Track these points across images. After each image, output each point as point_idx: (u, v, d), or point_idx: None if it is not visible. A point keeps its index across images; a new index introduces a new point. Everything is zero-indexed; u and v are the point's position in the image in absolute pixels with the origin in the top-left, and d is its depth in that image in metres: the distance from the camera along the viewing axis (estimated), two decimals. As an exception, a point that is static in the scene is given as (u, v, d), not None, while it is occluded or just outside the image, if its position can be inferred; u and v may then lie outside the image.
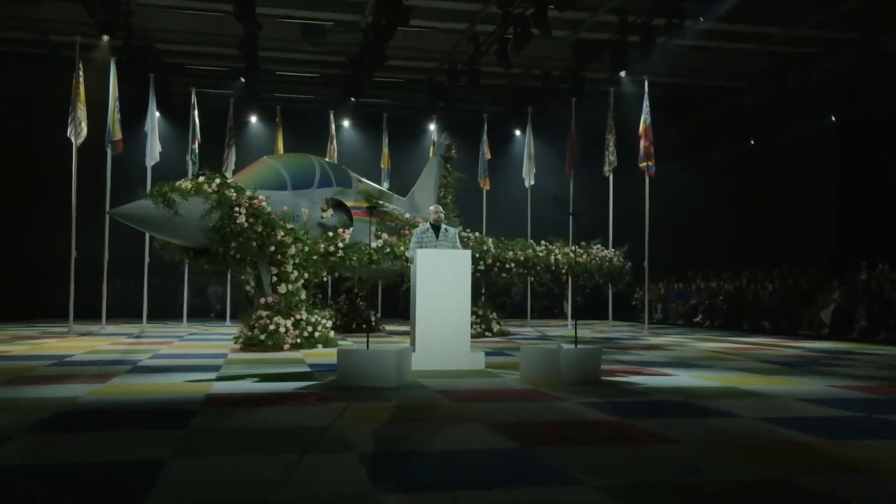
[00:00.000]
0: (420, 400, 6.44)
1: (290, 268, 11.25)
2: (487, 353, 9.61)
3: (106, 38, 15.62)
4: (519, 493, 3.71)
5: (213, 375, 7.98)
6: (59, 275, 15.81)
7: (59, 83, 15.94)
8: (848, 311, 16.03)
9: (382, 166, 20.63)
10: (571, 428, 5.35)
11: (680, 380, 8.09)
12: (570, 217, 8.99)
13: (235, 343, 11.39)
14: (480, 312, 14.55)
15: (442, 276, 8.82)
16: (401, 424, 5.37)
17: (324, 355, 10.19)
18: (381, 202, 13.83)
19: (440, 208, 9.90)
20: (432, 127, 22.22)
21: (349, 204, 12.90)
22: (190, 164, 17.53)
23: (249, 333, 11.04)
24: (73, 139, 14.82)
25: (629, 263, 16.76)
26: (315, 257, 11.71)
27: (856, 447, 4.77)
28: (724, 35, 18.69)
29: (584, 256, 15.80)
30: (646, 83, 17.18)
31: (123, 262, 16.03)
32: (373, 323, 15.94)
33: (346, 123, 22.97)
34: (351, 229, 12.51)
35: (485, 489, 3.75)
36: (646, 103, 17.02)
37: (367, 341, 7.58)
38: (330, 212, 12.49)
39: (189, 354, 10.40)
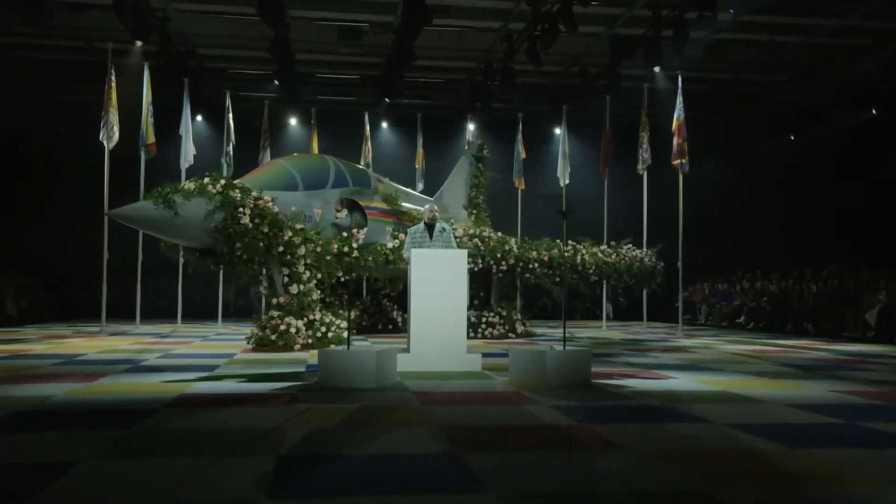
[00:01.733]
0: (388, 402, 6.33)
1: (301, 268, 11.26)
2: (495, 355, 9.48)
3: (139, 43, 15.89)
4: (414, 499, 3.60)
5: (203, 375, 8.01)
6: (101, 276, 16.22)
7: (94, 88, 16.27)
8: (894, 313, 15.34)
9: (417, 167, 20.60)
10: (521, 433, 5.20)
11: (675, 383, 7.82)
12: (562, 216, 8.76)
13: (248, 343, 11.46)
14: (504, 313, 14.36)
15: (437, 277, 8.71)
16: (348, 427, 5.28)
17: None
18: (399, 202, 13.75)
19: (435, 207, 9.79)
20: (471, 127, 22.10)
21: (365, 204, 12.86)
22: (224, 166, 17.75)
23: (261, 334, 11.09)
24: (105, 143, 15.13)
25: (661, 264, 16.35)
26: (328, 258, 11.69)
27: (811, 456, 4.51)
28: (766, 28, 18.12)
29: (613, 256, 15.46)
30: (679, 79, 16.73)
31: (161, 262, 16.28)
32: (399, 323, 15.90)
33: (382, 125, 22.99)
34: (365, 230, 12.47)
35: (382, 495, 3.64)
36: (679, 99, 16.57)
37: (349, 342, 7.52)
38: (344, 212, 12.48)
39: (198, 354, 10.50)
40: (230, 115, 18.39)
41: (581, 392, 6.98)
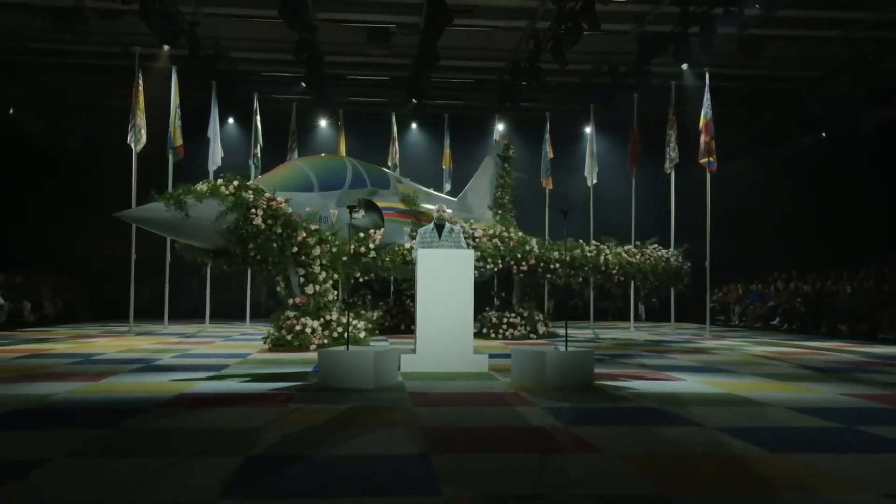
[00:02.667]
0: (380, 403, 6.32)
1: (317, 269, 11.30)
2: (506, 356, 9.37)
3: (166, 47, 16.12)
4: (364, 500, 3.58)
5: (210, 375, 8.08)
6: (138, 276, 16.54)
7: (126, 92, 16.53)
8: (930, 314, 14.93)
9: (444, 167, 20.57)
10: (501, 434, 5.16)
11: (681, 385, 7.69)
12: (563, 214, 8.67)
13: (265, 343, 11.54)
14: (526, 314, 14.26)
15: (444, 277, 8.68)
16: (330, 427, 5.26)
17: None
18: (419, 203, 13.73)
19: (444, 207, 9.75)
20: (500, 127, 22.02)
21: (383, 205, 12.86)
22: (252, 168, 17.93)
23: (277, 334, 11.16)
24: (132, 146, 15.38)
25: (688, 264, 16.09)
26: (345, 258, 11.73)
27: (791, 461, 4.40)
28: (801, 23, 17.76)
29: (638, 256, 15.26)
30: (706, 76, 16.45)
31: (190, 263, 16.50)
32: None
33: (410, 126, 23.01)
34: (382, 230, 12.48)
35: (334, 496, 3.64)
36: (706, 97, 16.28)
37: (347, 343, 7.53)
38: (361, 213, 12.50)
39: (214, 354, 10.60)
40: (258, 118, 18.55)
41: (580, 394, 6.90)
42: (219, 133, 17.59)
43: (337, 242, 11.55)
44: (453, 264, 8.75)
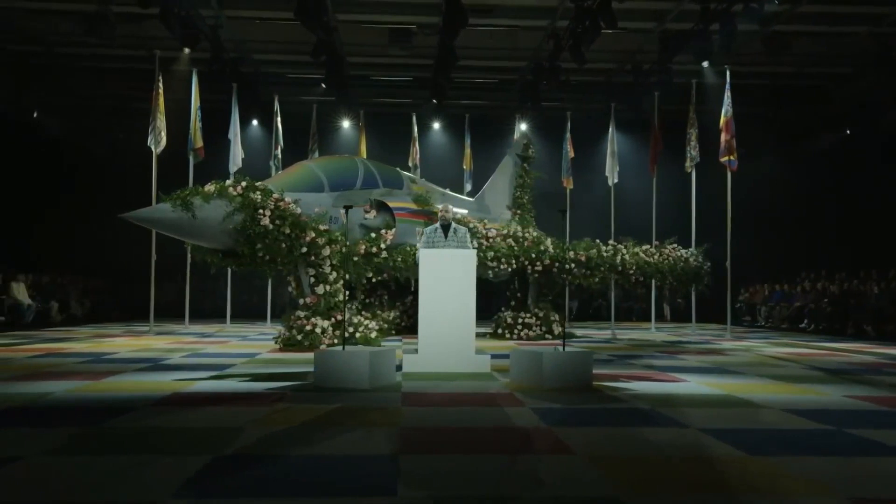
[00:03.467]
0: (370, 403, 6.31)
1: (327, 269, 11.34)
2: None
3: (187, 50, 16.31)
4: (319, 501, 3.57)
5: (211, 374, 8.15)
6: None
7: (144, 94, 16.75)
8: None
9: (465, 167, 20.55)
10: (479, 435, 5.13)
11: (681, 386, 7.60)
12: (561, 214, 8.62)
13: (276, 343, 11.61)
14: (541, 314, 14.17)
15: (445, 277, 8.66)
16: (310, 427, 5.26)
17: None
18: (432, 203, 13.72)
19: (449, 207, 9.70)
20: (523, 127, 21.96)
21: (396, 205, 12.87)
22: (273, 169, 18.07)
23: (288, 334, 11.22)
24: (153, 148, 15.57)
25: (708, 264, 15.87)
26: (356, 258, 11.76)
27: (765, 463, 4.33)
28: (828, 18, 17.47)
29: (656, 257, 15.10)
30: (727, 73, 16.21)
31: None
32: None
33: (434, 125, 23.01)
34: (394, 230, 12.49)
35: (287, 496, 3.64)
36: (727, 94, 16.05)
37: (343, 343, 7.54)
38: (373, 213, 12.52)
39: (224, 354, 10.68)
40: (278, 119, 18.70)
41: (575, 395, 6.84)
42: (239, 135, 17.74)
43: (345, 242, 11.58)
44: (455, 264, 8.72)
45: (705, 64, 17.24)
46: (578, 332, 16.97)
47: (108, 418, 5.50)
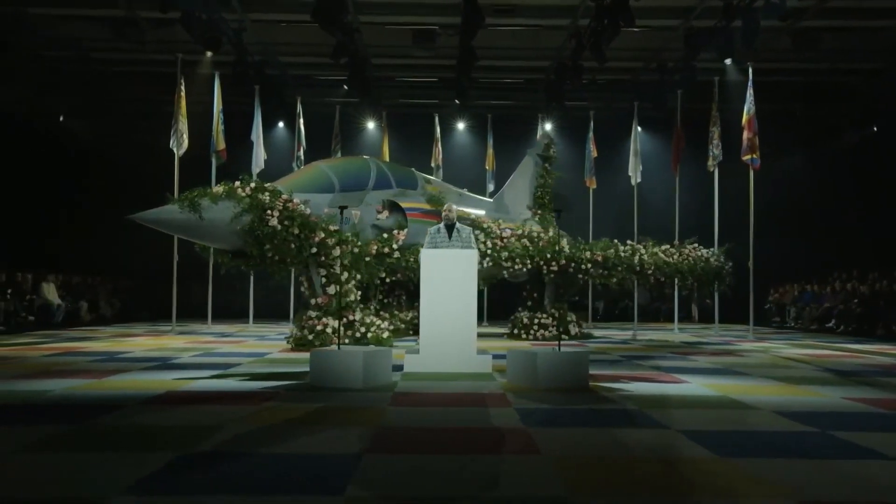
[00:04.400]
0: (357, 403, 6.33)
1: (338, 269, 11.41)
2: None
3: (209, 53, 16.52)
4: (262, 499, 3.60)
5: (214, 373, 8.25)
6: (196, 278, 17.00)
7: (170, 97, 16.99)
8: None
9: (487, 168, 20.53)
10: (452, 436, 5.13)
11: (680, 387, 7.51)
12: (557, 213, 8.59)
13: (287, 343, 11.71)
14: (557, 315, 14.09)
15: (447, 277, 8.66)
16: (287, 426, 5.29)
17: None
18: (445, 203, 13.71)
19: (453, 207, 9.71)
20: (547, 127, 21.87)
21: (408, 205, 12.89)
22: (295, 170, 18.19)
23: (300, 334, 11.31)
24: (175, 150, 15.81)
25: (729, 264, 15.64)
26: (367, 259, 11.81)
27: (731, 465, 4.27)
28: (857, 13, 17.15)
29: (676, 256, 14.92)
30: (749, 70, 15.97)
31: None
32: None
33: (457, 126, 23.01)
34: (406, 230, 12.51)
35: (235, 494, 3.67)
36: (749, 92, 15.81)
37: (339, 342, 7.58)
38: (385, 213, 12.56)
39: (234, 353, 10.79)
40: (301, 121, 18.85)
41: (567, 395, 6.79)
42: (262, 136, 17.92)
43: (358, 243, 11.64)
44: (456, 264, 8.73)
45: (728, 61, 16.98)
46: (598, 332, 16.83)
47: (94, 416, 5.59)
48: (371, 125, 22.34)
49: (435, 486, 3.84)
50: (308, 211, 10.98)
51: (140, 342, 12.80)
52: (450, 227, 9.34)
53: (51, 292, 17.86)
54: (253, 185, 10.55)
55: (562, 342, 13.04)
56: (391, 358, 7.84)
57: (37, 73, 19.39)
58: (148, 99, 21.34)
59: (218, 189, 10.41)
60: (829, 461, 4.41)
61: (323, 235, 11.03)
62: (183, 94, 16.04)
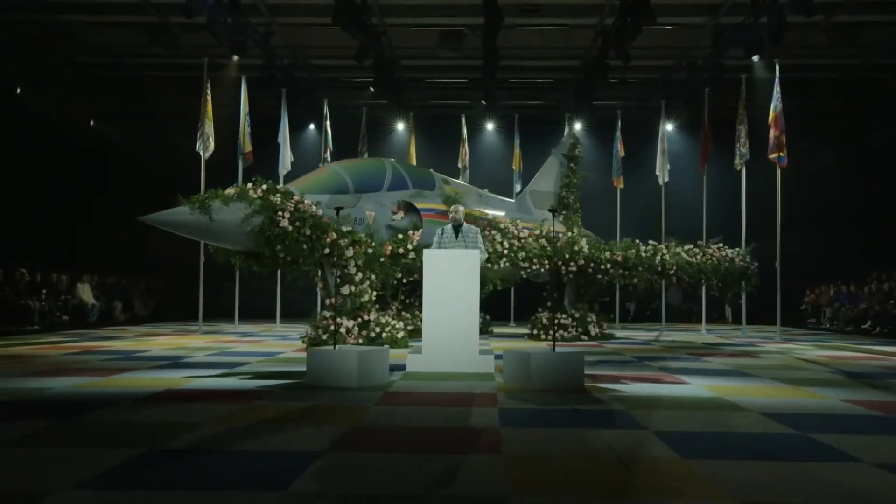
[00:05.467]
0: (344, 402, 6.39)
1: (352, 269, 11.49)
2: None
3: (236, 57, 16.75)
4: (209, 494, 3.67)
5: (219, 372, 8.39)
6: (228, 278, 17.24)
7: (195, 101, 17.28)
8: None
9: (514, 168, 20.48)
10: (424, 435, 5.15)
11: (677, 389, 7.44)
12: (552, 213, 8.55)
13: (302, 342, 11.83)
14: (577, 315, 14.00)
15: (449, 277, 8.69)
16: (265, 424, 5.37)
17: None
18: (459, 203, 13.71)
19: (460, 208, 9.73)
20: (577, 126, 21.77)
21: (424, 206, 12.92)
22: (320, 172, 18.38)
23: (314, 334, 11.41)
24: (201, 153, 16.08)
25: (755, 264, 15.38)
26: (382, 259, 11.88)
27: (687, 466, 4.26)
28: (892, 7, 16.75)
29: (699, 257, 14.73)
30: (776, 67, 15.69)
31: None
32: (480, 325, 15.85)
33: (484, 127, 22.99)
34: (421, 231, 12.55)
35: (183, 489, 3.74)
36: (776, 89, 15.53)
37: (335, 342, 7.65)
38: (400, 214, 12.62)
39: (247, 353, 10.96)
40: (328, 123, 19.03)
41: (558, 395, 6.77)
42: (288, 138, 18.12)
43: (372, 244, 11.71)
44: (459, 264, 8.74)
45: (755, 58, 16.69)
46: (622, 333, 16.68)
47: (82, 413, 5.73)
48: (398, 126, 22.39)
49: (380, 484, 3.88)
50: (320, 212, 11.07)
51: (162, 341, 13.04)
52: (456, 228, 9.37)
53: (85, 292, 18.29)
54: (265, 186, 10.66)
55: (577, 343, 13.16)
56: (388, 358, 7.89)
57: (70, 79, 19.85)
58: (178, 102, 21.71)
59: (230, 191, 10.55)
60: (793, 463, 4.34)
61: (335, 236, 11.11)
62: (209, 97, 16.30)
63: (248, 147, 17.06)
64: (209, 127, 16.20)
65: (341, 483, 3.89)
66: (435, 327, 8.64)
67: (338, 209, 8.42)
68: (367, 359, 7.43)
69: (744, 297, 17.03)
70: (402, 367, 8.59)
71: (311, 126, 22.58)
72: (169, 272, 22.49)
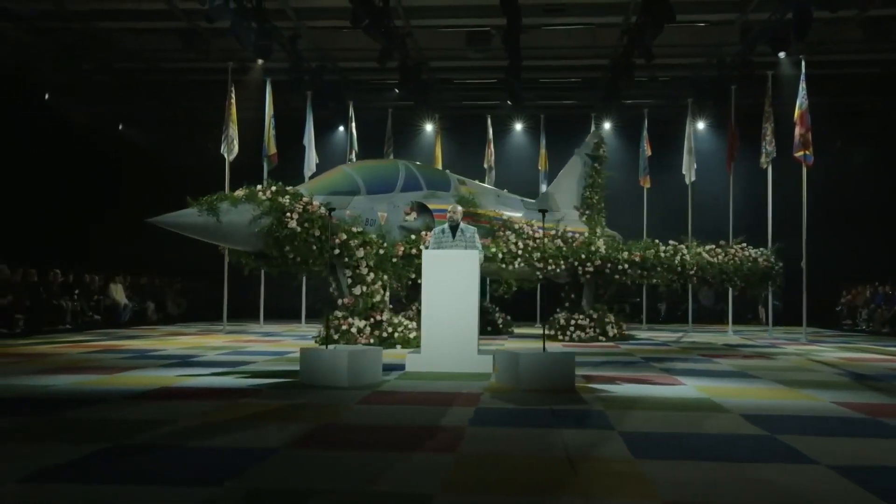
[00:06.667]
0: (325, 401, 6.45)
1: (364, 270, 11.59)
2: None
3: (260, 61, 17.00)
4: (141, 489, 3.76)
5: (220, 371, 8.55)
6: (258, 279, 17.51)
7: (220, 104, 17.54)
8: None
9: (540, 168, 20.41)
10: (390, 434, 5.19)
11: (669, 390, 7.38)
12: (542, 213, 8.53)
13: (315, 342, 11.96)
14: (595, 315, 13.89)
15: (448, 277, 8.72)
16: (238, 421, 5.46)
17: (388, 355, 10.07)
18: (476, 204, 13.74)
19: (458, 208, 9.76)
20: (607, 125, 21.63)
21: (437, 207, 12.94)
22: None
23: (325, 333, 11.52)
24: (225, 155, 16.36)
25: (780, 264, 15.10)
26: (394, 260, 11.95)
27: (633, 466, 4.24)
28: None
29: (721, 257, 14.52)
30: (802, 63, 15.38)
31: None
32: (499, 325, 15.87)
33: (510, 127, 22.95)
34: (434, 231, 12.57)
35: (116, 483, 3.85)
36: (802, 86, 15.23)
37: (326, 341, 7.73)
38: (413, 215, 12.67)
39: (257, 352, 11.12)
40: (353, 124, 19.19)
41: (543, 396, 6.76)
42: (314, 140, 18.31)
43: (383, 244, 11.80)
44: (458, 265, 8.77)
45: (782, 55, 16.40)
46: (646, 334, 16.51)
47: (65, 410, 5.89)
48: (425, 128, 22.44)
49: (310, 480, 3.93)
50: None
51: (183, 341, 13.28)
52: (454, 228, 9.40)
53: (118, 293, 18.70)
54: (274, 188, 10.82)
55: (594, 343, 13.08)
56: (381, 357, 7.95)
57: (102, 85, 20.29)
58: (206, 105, 22.04)
59: (239, 193, 10.73)
60: (743, 465, 4.30)
61: (345, 237, 11.21)
62: (233, 100, 16.55)
63: (273, 149, 17.28)
64: (233, 130, 16.46)
65: (275, 479, 3.95)
66: (434, 327, 8.69)
67: (329, 210, 8.51)
68: (359, 358, 7.50)
69: (770, 297, 16.70)
70: (403, 367, 8.65)
71: (339, 128, 22.77)
72: (204, 273, 22.84)
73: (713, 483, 3.91)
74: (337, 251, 11.20)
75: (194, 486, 3.80)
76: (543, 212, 8.34)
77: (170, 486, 3.82)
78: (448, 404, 6.33)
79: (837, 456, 4.49)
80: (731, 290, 16.83)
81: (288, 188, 11.17)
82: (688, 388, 7.49)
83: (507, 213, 14.42)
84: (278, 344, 12.86)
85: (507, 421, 5.63)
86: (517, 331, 16.52)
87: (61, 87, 19.48)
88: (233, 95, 16.63)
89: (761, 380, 8.24)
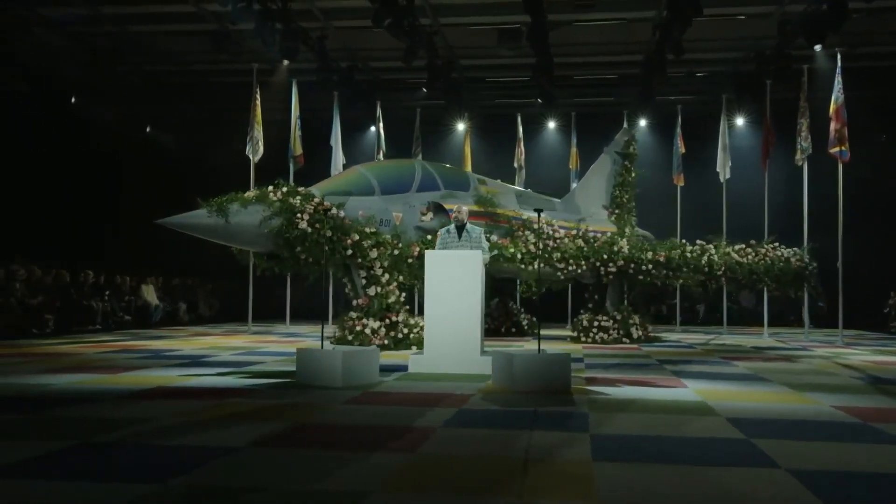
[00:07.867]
0: (313, 400, 6.44)
1: (378, 271, 11.53)
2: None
3: (286, 62, 17.08)
4: (92, 485, 3.74)
5: (223, 371, 8.59)
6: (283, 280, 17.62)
7: (243, 105, 17.66)
8: None
9: (570, 167, 20.15)
10: (358, 435, 5.15)
11: (666, 392, 7.20)
12: (538, 212, 8.35)
13: (330, 343, 11.91)
14: (619, 317, 13.62)
15: (451, 278, 8.62)
16: (218, 420, 5.47)
17: (398, 356, 10.02)
18: (495, 204, 13.58)
19: (463, 208, 9.65)
20: (642, 123, 21.29)
21: (451, 207, 12.83)
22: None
23: (341, 334, 11.52)
24: (250, 156, 16.47)
25: (814, 265, 14.63)
26: (409, 260, 11.87)
27: (589, 469, 4.13)
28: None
29: (750, 257, 14.13)
30: (838, 57, 14.89)
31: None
32: (525, 327, 15.68)
33: (542, 125, 22.71)
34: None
35: (68, 480, 3.84)
36: (838, 80, 14.74)
37: (322, 341, 7.69)
38: (429, 215, 12.56)
39: (268, 352, 11.19)
40: (381, 124, 19.17)
41: (535, 397, 6.66)
42: (340, 141, 18.33)
43: (398, 245, 11.72)
44: (461, 265, 8.66)
45: (818, 48, 15.92)
46: (676, 335, 16.14)
47: (50, 408, 5.96)
48: (456, 127, 22.31)
49: (262, 479, 3.90)
50: (342, 213, 11.15)
51: (205, 341, 13.38)
52: (460, 228, 9.28)
53: (150, 294, 18.96)
54: (285, 189, 10.82)
55: (617, 345, 12.83)
56: (377, 358, 7.88)
57: (131, 87, 20.57)
58: (234, 106, 22.23)
59: (250, 194, 10.75)
60: (703, 467, 4.22)
61: (357, 238, 11.17)
62: (258, 101, 16.66)
63: (300, 150, 17.36)
64: (258, 131, 16.57)
65: (221, 477, 3.94)
66: (437, 328, 8.59)
67: (326, 210, 8.45)
68: (354, 359, 7.45)
69: (805, 298, 16.21)
70: (406, 368, 8.59)
71: (367, 128, 22.74)
72: (236, 274, 23.01)
73: (660, 485, 3.80)
74: (349, 252, 11.16)
75: (135, 483, 3.78)
76: (539, 211, 8.17)
77: (108, 482, 3.80)
78: (433, 405, 6.24)
79: (804, 460, 4.34)
80: (765, 291, 16.37)
81: (300, 189, 11.15)
82: (687, 390, 7.28)
83: (527, 213, 14.22)
84: (295, 345, 12.81)
85: (483, 422, 5.52)
86: (545, 332, 16.27)
87: (92, 89, 19.76)
88: (258, 96, 16.73)
89: (770, 383, 7.99)
